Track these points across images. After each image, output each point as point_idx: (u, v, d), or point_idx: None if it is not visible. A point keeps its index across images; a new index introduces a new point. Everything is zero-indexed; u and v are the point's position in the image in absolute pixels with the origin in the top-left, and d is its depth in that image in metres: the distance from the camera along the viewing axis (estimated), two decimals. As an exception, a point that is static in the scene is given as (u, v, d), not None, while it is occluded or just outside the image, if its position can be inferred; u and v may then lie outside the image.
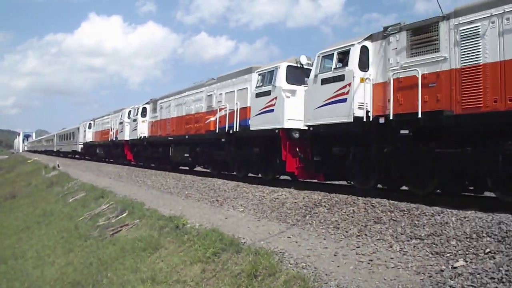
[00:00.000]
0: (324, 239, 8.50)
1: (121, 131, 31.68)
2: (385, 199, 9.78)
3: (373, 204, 9.54)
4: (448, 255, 6.69)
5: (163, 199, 15.60)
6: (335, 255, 7.36)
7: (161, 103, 26.09)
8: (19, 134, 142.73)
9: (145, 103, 28.74)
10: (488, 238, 6.84)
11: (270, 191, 12.95)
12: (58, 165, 38.65)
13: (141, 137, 28.03)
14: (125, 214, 14.31)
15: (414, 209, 8.73)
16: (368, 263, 6.85)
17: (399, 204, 9.20)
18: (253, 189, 13.85)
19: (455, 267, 6.12)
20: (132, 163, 31.24)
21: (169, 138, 24.07)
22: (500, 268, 5.60)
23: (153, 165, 28.12)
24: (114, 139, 34.00)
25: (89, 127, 45.01)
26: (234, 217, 11.37)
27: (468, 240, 6.98)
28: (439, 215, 8.14)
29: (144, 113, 28.46)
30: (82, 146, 47.23)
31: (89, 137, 44.64)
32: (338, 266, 6.81)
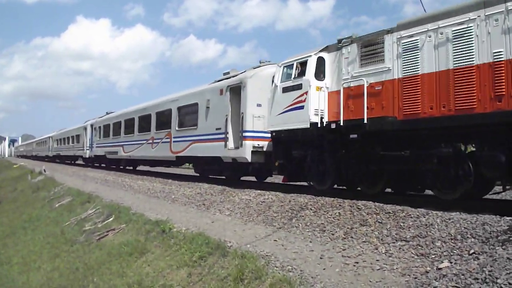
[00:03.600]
0: (310, 242, 8.50)
1: None
2: (370, 202, 9.81)
3: (359, 207, 9.56)
4: (433, 256, 6.73)
5: (149, 203, 15.54)
6: (321, 258, 7.37)
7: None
8: (4, 139, 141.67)
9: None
10: (473, 239, 6.89)
11: (256, 195, 12.95)
12: (44, 170, 38.36)
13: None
14: (111, 219, 14.22)
15: (400, 211, 8.77)
16: (354, 266, 6.87)
17: (384, 206, 9.23)
18: (239, 192, 13.84)
19: (440, 268, 6.16)
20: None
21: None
22: (484, 269, 5.63)
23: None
24: None
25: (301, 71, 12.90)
26: (220, 220, 11.35)
27: (452, 241, 7.02)
28: (424, 217, 8.18)
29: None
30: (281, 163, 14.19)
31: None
32: (324, 269, 6.82)
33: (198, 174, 21.70)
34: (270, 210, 11.22)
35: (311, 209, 10.36)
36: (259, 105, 15.67)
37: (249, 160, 15.45)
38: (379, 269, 6.62)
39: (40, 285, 12.40)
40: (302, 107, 12.55)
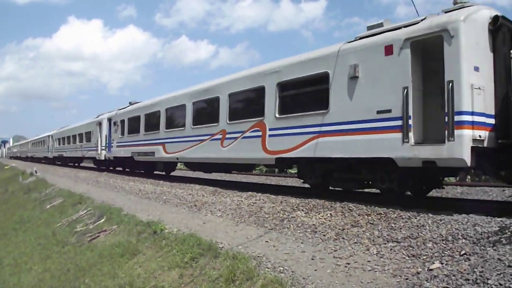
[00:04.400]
0: (302, 243, 8.48)
1: None
2: (362, 203, 9.83)
3: (350, 208, 9.59)
4: (424, 257, 6.73)
5: (141, 204, 15.46)
6: (312, 259, 7.35)
7: None
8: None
9: None
10: (464, 240, 6.91)
11: (248, 196, 12.95)
12: (35, 171, 38.19)
13: None
14: (103, 220, 14.15)
15: (391, 212, 8.81)
16: (345, 267, 6.85)
17: (376, 208, 9.26)
18: (231, 194, 13.83)
19: (431, 269, 6.16)
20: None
21: None
22: (475, 270, 5.65)
23: None
24: None
25: None
26: (212, 222, 11.31)
27: (444, 242, 7.04)
28: (416, 218, 8.22)
29: None
30: None
31: None
32: (316, 270, 6.81)
33: (308, 186, 13.84)
34: (262, 211, 11.20)
35: (302, 210, 10.37)
36: (476, 68, 9.06)
37: (468, 162, 8.74)
38: (370, 270, 6.61)
39: (31, 287, 12.34)
40: None
